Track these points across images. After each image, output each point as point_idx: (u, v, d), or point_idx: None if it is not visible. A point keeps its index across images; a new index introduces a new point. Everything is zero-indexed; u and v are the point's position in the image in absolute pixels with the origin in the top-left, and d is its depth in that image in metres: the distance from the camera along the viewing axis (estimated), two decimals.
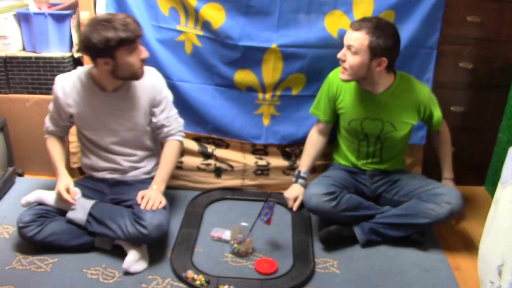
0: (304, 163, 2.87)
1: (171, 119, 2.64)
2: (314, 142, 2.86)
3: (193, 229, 2.69)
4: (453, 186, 2.64)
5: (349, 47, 2.45)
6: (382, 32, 2.39)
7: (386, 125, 2.63)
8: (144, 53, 2.40)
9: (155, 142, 2.75)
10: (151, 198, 2.45)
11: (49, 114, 2.63)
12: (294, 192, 2.84)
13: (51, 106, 2.59)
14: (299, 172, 2.85)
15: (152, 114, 2.61)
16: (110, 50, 2.28)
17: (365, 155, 2.76)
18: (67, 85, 2.50)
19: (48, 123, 2.63)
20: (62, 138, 2.70)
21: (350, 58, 2.46)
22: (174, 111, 2.67)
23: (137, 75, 2.43)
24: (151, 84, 2.55)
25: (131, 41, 2.30)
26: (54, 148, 2.63)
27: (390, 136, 2.65)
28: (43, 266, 2.37)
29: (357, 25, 2.43)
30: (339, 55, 2.51)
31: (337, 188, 2.59)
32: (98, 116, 2.53)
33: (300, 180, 2.82)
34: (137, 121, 2.58)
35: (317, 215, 2.67)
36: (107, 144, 2.60)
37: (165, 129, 2.63)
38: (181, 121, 2.71)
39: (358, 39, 2.41)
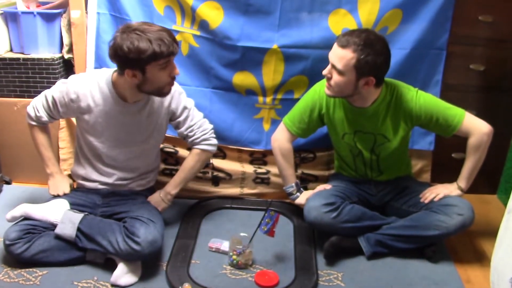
0: (292, 175, 2.81)
1: (194, 128, 2.66)
2: (288, 153, 2.79)
3: (189, 240, 2.70)
4: (460, 194, 2.64)
5: (333, 66, 2.42)
6: (371, 49, 2.33)
7: (378, 137, 2.63)
8: (176, 71, 2.38)
9: (157, 157, 2.79)
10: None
11: (43, 103, 2.58)
12: (307, 196, 2.72)
13: (49, 96, 2.55)
14: (297, 183, 2.80)
15: (174, 125, 2.68)
16: (141, 63, 2.26)
17: (363, 168, 2.77)
18: (82, 89, 2.48)
19: (41, 113, 2.58)
20: (48, 126, 2.71)
21: (335, 77, 2.42)
22: (196, 119, 2.67)
23: (163, 93, 2.43)
24: (168, 96, 2.54)
25: (165, 56, 2.27)
26: (45, 139, 2.68)
27: (384, 147, 2.66)
28: (32, 279, 2.37)
29: (344, 41, 2.36)
30: (325, 72, 2.47)
31: (337, 199, 2.59)
32: (112, 126, 2.53)
33: (302, 190, 2.82)
34: (151, 134, 2.60)
35: (318, 229, 2.66)
36: (110, 155, 2.61)
37: (189, 139, 2.69)
38: (207, 128, 2.70)
39: (343, 58, 2.36)
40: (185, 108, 2.64)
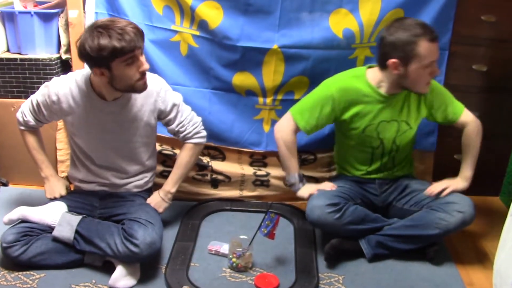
0: (295, 165, 2.75)
1: (184, 123, 2.67)
2: (292, 144, 2.72)
3: (189, 243, 2.71)
4: (466, 186, 2.66)
5: (436, 61, 2.49)
6: None
7: (402, 124, 2.65)
8: (144, 66, 2.36)
9: (151, 157, 2.77)
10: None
11: (29, 108, 2.62)
12: (309, 189, 2.70)
13: (34, 100, 2.58)
14: (300, 175, 2.76)
15: (164, 123, 2.69)
16: (104, 60, 2.26)
17: (379, 162, 2.76)
18: (63, 90, 2.49)
19: (28, 117, 2.62)
20: (38, 130, 2.73)
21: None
22: (186, 114, 2.68)
23: (136, 89, 2.41)
24: (153, 93, 2.55)
25: (127, 52, 2.26)
26: (36, 143, 2.70)
27: (405, 135, 2.68)
28: (29, 282, 2.38)
29: (435, 33, 2.44)
30: (438, 73, 2.55)
31: (341, 199, 2.59)
32: (94, 125, 2.54)
33: (305, 181, 2.77)
34: (136, 133, 2.60)
35: (320, 228, 2.68)
36: (99, 156, 2.62)
37: (181, 134, 2.70)
38: (197, 121, 2.72)
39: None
40: (174, 105, 2.63)
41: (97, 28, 2.24)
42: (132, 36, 2.25)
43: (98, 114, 2.51)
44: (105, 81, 2.37)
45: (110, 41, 2.21)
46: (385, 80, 2.57)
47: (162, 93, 2.59)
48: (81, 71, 2.54)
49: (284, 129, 2.73)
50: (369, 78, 2.61)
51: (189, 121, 2.69)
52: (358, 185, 2.79)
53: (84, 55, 2.28)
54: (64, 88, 2.49)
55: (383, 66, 2.53)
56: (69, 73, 2.59)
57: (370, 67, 2.64)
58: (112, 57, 2.25)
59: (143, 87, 2.42)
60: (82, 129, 2.56)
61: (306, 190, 2.72)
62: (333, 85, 2.65)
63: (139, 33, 2.30)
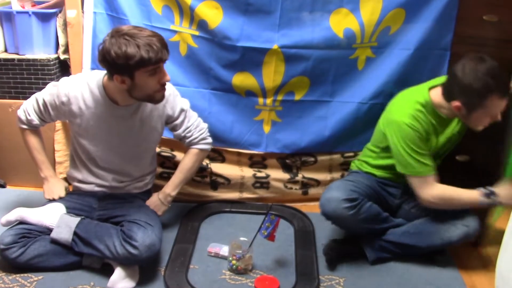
0: (469, 191, 2.50)
1: (191, 128, 2.69)
2: (442, 188, 2.51)
3: (188, 244, 2.71)
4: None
5: None
6: None
7: (455, 135, 2.63)
8: (166, 77, 2.36)
9: (153, 161, 2.79)
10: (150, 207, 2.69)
11: (33, 106, 2.59)
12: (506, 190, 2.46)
13: (40, 99, 2.55)
14: (484, 193, 2.46)
15: (171, 128, 2.70)
16: (129, 69, 2.25)
17: None
18: (73, 91, 2.48)
19: (32, 116, 2.59)
20: (39, 129, 2.72)
21: None
22: (193, 120, 2.70)
23: (154, 99, 2.42)
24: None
25: (154, 63, 2.26)
26: (38, 143, 2.69)
27: (455, 141, 2.67)
28: (27, 284, 2.38)
29: (507, 88, 2.40)
30: (499, 119, 2.45)
31: (359, 195, 2.54)
32: (104, 129, 2.53)
33: (492, 190, 2.48)
34: (145, 138, 2.62)
35: (333, 221, 2.60)
36: (104, 158, 2.61)
37: (187, 140, 2.71)
38: (203, 127, 2.74)
39: None
40: (182, 110, 2.65)
41: (124, 36, 2.22)
42: (159, 47, 2.25)
43: (108, 118, 2.51)
44: (124, 89, 2.36)
45: (139, 51, 2.20)
46: (447, 108, 2.50)
47: (171, 98, 2.60)
48: (93, 74, 2.53)
49: (426, 192, 2.51)
50: (434, 103, 2.52)
51: (196, 126, 2.70)
52: (379, 184, 2.74)
53: (108, 61, 2.26)
54: (75, 89, 2.48)
55: (448, 99, 2.47)
56: (79, 75, 2.58)
57: (431, 87, 2.54)
58: (137, 67, 2.24)
59: (161, 98, 2.43)
60: (89, 131, 2.55)
61: (502, 193, 2.46)
62: (409, 122, 2.48)
63: (165, 46, 2.31)
